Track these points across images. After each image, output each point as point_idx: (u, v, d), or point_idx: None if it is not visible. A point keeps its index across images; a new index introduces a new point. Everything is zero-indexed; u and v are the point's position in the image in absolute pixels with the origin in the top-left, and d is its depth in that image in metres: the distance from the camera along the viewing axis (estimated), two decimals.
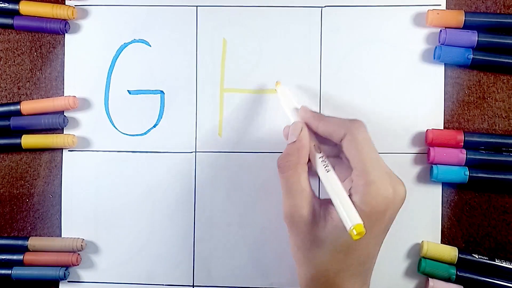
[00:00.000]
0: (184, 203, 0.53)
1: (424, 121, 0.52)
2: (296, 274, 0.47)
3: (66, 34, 0.54)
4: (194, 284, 0.53)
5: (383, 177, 0.42)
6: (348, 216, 0.40)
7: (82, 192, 0.54)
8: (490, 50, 0.50)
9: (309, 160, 0.46)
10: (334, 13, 0.52)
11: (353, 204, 0.41)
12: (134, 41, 0.53)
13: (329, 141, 0.46)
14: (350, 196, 0.42)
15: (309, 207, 0.44)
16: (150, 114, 0.53)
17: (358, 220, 0.40)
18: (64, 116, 0.53)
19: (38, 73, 0.54)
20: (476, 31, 0.50)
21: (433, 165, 0.51)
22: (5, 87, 0.55)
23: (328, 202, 0.43)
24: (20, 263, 0.53)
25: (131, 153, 0.54)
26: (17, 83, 0.54)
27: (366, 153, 0.42)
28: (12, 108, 0.53)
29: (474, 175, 0.50)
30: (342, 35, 0.52)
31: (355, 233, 0.39)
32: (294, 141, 0.46)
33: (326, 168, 0.44)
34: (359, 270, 0.44)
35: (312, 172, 0.45)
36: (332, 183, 0.43)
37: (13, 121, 0.53)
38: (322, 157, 0.45)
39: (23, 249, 0.53)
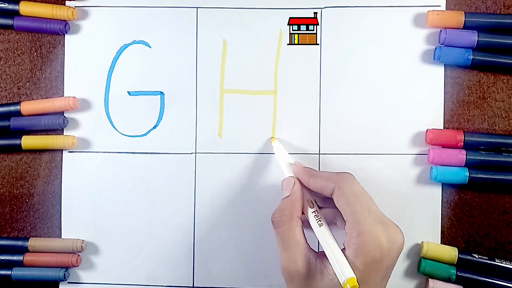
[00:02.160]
0: (184, 204, 0.53)
1: (424, 121, 0.52)
2: None
3: (66, 35, 0.54)
4: (194, 285, 0.53)
5: (375, 227, 0.42)
6: (341, 269, 0.41)
7: (82, 193, 0.54)
8: (490, 50, 0.50)
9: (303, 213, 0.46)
10: (333, 14, 0.52)
11: (347, 257, 0.42)
12: (134, 42, 0.53)
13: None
14: (344, 249, 0.42)
15: (304, 260, 0.44)
16: (150, 115, 0.53)
17: (350, 274, 0.40)
18: (64, 117, 0.53)
19: (38, 73, 0.54)
20: (476, 31, 0.50)
21: (432, 166, 0.51)
22: (5, 87, 0.55)
23: (324, 255, 0.43)
24: (20, 264, 0.53)
25: (131, 154, 0.54)
26: (17, 83, 0.54)
27: (355, 205, 0.42)
28: (12, 108, 0.53)
29: (474, 176, 0.50)
30: (342, 36, 0.52)
31: (348, 287, 0.40)
32: (287, 196, 0.47)
33: (319, 222, 0.44)
34: None
35: (307, 224, 0.46)
36: (325, 237, 0.43)
37: (13, 122, 0.53)
38: (315, 211, 0.45)
39: (23, 250, 0.53)
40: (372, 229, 0.41)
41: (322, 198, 0.47)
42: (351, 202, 0.43)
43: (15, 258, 0.53)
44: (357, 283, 0.40)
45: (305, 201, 0.46)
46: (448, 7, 0.52)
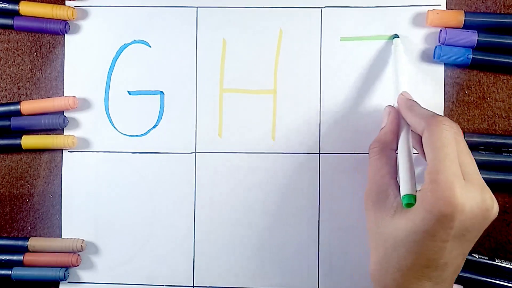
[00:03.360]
0: (184, 204, 0.53)
1: None
2: (296, 274, 0.47)
3: (66, 35, 0.54)
4: (194, 285, 0.53)
5: (453, 180, 0.38)
6: (405, 184, 0.41)
7: (82, 192, 0.54)
8: (490, 50, 0.50)
9: None
10: (334, 14, 0.52)
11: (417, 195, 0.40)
12: (134, 41, 0.53)
13: None
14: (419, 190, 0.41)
15: (392, 189, 0.43)
16: (150, 115, 0.53)
17: (410, 190, 0.40)
18: (64, 116, 0.53)
19: (38, 73, 0.54)
20: (476, 31, 0.50)
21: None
22: (5, 87, 0.55)
23: None
24: (20, 264, 0.53)
25: (131, 153, 0.54)
26: (17, 83, 0.54)
27: (438, 152, 0.40)
28: (12, 108, 0.53)
29: None
30: (342, 35, 0.52)
31: (405, 201, 0.40)
32: (383, 127, 0.47)
33: (405, 144, 0.44)
34: (424, 272, 0.41)
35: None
36: (403, 154, 0.43)
37: (13, 121, 0.53)
38: (406, 136, 0.45)
39: (23, 250, 0.53)
40: (449, 180, 0.38)
41: None
42: (435, 148, 0.40)
43: (15, 258, 0.53)
44: (414, 201, 0.39)
45: (403, 131, 0.45)
46: (448, 7, 0.52)
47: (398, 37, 0.52)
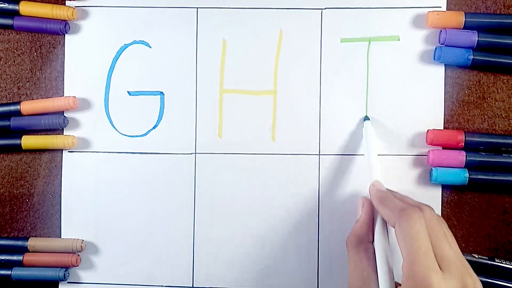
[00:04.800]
0: (184, 204, 0.53)
1: (424, 122, 0.52)
2: (296, 275, 0.47)
3: (66, 35, 0.54)
4: (194, 285, 0.53)
5: (429, 273, 0.38)
6: (383, 282, 0.41)
7: (82, 192, 0.54)
8: (490, 50, 0.50)
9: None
10: (334, 15, 0.52)
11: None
12: (134, 42, 0.53)
13: None
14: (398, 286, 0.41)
15: (374, 283, 0.43)
16: (150, 115, 0.53)
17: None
18: (64, 116, 0.53)
19: (38, 73, 0.54)
20: (476, 32, 0.50)
21: (432, 168, 0.51)
22: (5, 87, 0.55)
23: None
24: (20, 264, 0.53)
25: (131, 154, 0.54)
26: (17, 83, 0.54)
27: (411, 246, 0.39)
28: (12, 108, 0.53)
29: (474, 177, 0.50)
30: (342, 37, 0.52)
31: None
32: (358, 219, 0.46)
33: (381, 236, 0.44)
34: None
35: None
36: (379, 247, 0.43)
37: (13, 122, 0.53)
38: (380, 228, 0.44)
39: (23, 250, 0.53)
40: (424, 275, 0.38)
41: None
42: (406, 243, 0.39)
43: (15, 258, 0.53)
44: None
45: (377, 223, 0.45)
46: (448, 8, 0.52)
47: (369, 119, 0.52)
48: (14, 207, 0.55)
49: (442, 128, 0.52)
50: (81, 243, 0.53)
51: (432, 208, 0.43)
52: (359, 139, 0.52)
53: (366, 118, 0.52)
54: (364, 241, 0.45)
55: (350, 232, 0.46)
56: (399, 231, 0.40)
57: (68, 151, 0.54)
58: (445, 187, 0.52)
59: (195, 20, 0.53)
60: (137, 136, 0.54)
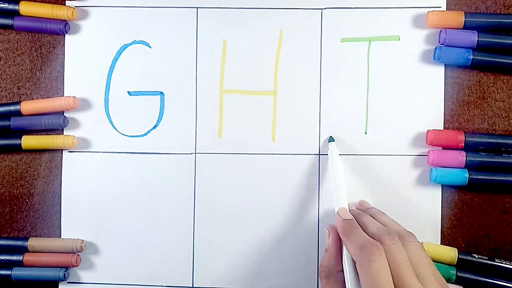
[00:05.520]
0: (184, 204, 0.53)
1: (424, 122, 0.52)
2: (296, 275, 0.47)
3: (66, 35, 0.54)
4: (194, 285, 0.53)
5: None
6: None
7: (82, 192, 0.54)
8: (490, 50, 0.50)
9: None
10: (334, 15, 0.52)
11: None
12: (134, 42, 0.53)
13: None
14: None
15: None
16: (150, 115, 0.53)
17: None
18: (64, 116, 0.53)
19: (38, 73, 0.54)
20: (476, 32, 0.50)
21: (432, 168, 0.51)
22: (5, 87, 0.55)
23: None
24: (20, 264, 0.53)
25: (131, 154, 0.54)
26: (17, 83, 0.54)
27: (371, 286, 0.39)
28: (12, 108, 0.53)
29: (474, 177, 0.50)
30: (342, 36, 0.52)
31: None
32: (326, 249, 0.46)
33: (349, 266, 0.43)
34: None
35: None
36: (349, 277, 0.42)
37: (14, 122, 0.53)
38: (348, 259, 0.44)
39: (23, 250, 0.53)
40: None
41: None
42: (368, 282, 0.39)
43: (14, 258, 0.53)
44: None
45: (345, 253, 0.44)
46: (448, 8, 0.52)
47: (333, 140, 0.51)
48: (14, 207, 0.55)
49: (442, 128, 0.52)
50: (81, 243, 0.53)
51: (398, 233, 0.43)
52: (359, 139, 0.52)
53: (331, 139, 0.52)
54: (334, 272, 0.45)
55: (321, 263, 0.46)
56: (360, 271, 0.40)
57: (68, 151, 0.54)
58: (445, 187, 0.52)
59: (195, 20, 0.53)
60: (137, 136, 0.54)
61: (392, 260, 0.40)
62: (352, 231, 0.44)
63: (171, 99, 0.53)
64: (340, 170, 0.49)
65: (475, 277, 0.50)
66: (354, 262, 0.42)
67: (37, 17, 0.53)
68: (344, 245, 0.44)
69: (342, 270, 0.44)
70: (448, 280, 0.50)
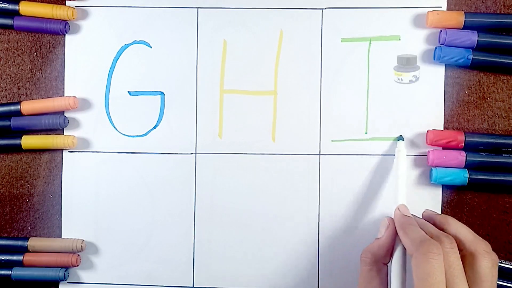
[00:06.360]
0: (184, 204, 0.53)
1: (424, 122, 0.52)
2: (296, 275, 0.47)
3: (66, 35, 0.54)
4: (194, 285, 0.53)
5: None
6: None
7: (82, 192, 0.54)
8: (490, 50, 0.50)
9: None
10: (334, 15, 0.52)
11: None
12: (134, 42, 0.53)
13: None
14: None
15: None
16: (150, 115, 0.53)
17: None
18: (65, 116, 0.53)
19: (38, 73, 0.54)
20: (476, 31, 0.50)
21: (432, 168, 0.51)
22: (5, 87, 0.55)
23: None
24: (20, 264, 0.53)
25: (131, 154, 0.54)
26: (17, 83, 0.54)
27: (422, 284, 0.39)
28: (12, 108, 0.53)
29: (474, 177, 0.50)
30: (343, 36, 0.52)
31: None
32: (379, 238, 0.46)
33: (399, 262, 0.43)
34: None
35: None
36: (396, 273, 0.43)
37: (14, 121, 0.53)
38: (400, 255, 0.44)
39: (23, 250, 0.53)
40: None
41: None
42: (422, 277, 0.39)
43: (15, 258, 0.53)
44: None
45: (398, 248, 0.44)
46: (448, 8, 0.52)
47: (403, 139, 0.51)
48: (14, 207, 0.55)
49: (442, 128, 0.52)
50: (81, 243, 0.53)
51: (453, 240, 0.42)
52: (359, 139, 0.52)
53: (400, 137, 0.52)
54: (380, 262, 0.45)
55: (366, 248, 0.46)
56: (415, 264, 0.40)
57: (68, 151, 0.54)
58: (445, 187, 0.52)
59: (196, 20, 0.53)
60: (137, 136, 0.54)
61: (449, 265, 0.40)
62: (410, 227, 0.44)
63: (172, 99, 0.53)
64: (404, 169, 0.49)
65: None
66: (404, 260, 0.42)
67: (37, 17, 0.53)
68: (398, 240, 0.45)
69: (387, 264, 0.45)
70: None
